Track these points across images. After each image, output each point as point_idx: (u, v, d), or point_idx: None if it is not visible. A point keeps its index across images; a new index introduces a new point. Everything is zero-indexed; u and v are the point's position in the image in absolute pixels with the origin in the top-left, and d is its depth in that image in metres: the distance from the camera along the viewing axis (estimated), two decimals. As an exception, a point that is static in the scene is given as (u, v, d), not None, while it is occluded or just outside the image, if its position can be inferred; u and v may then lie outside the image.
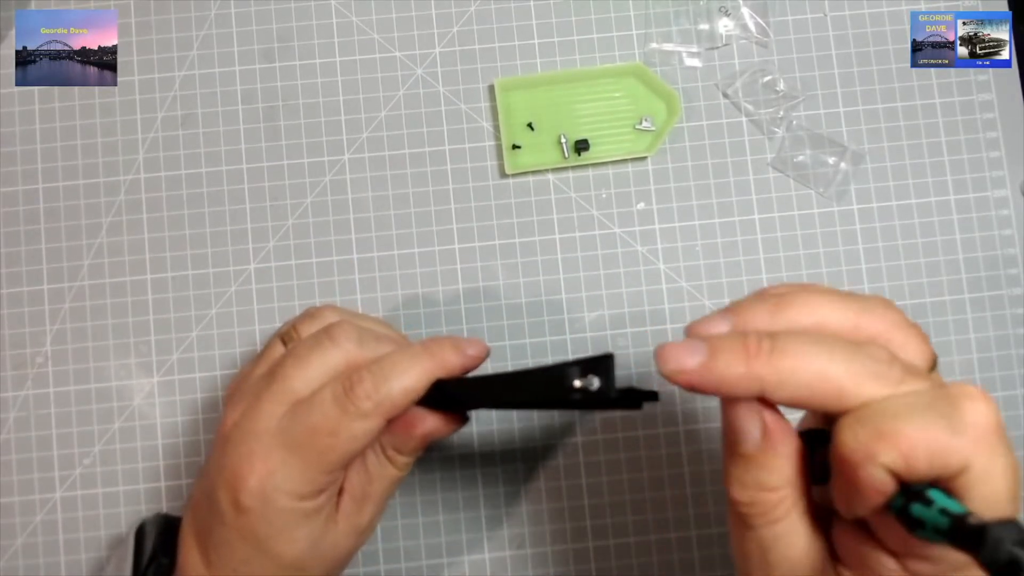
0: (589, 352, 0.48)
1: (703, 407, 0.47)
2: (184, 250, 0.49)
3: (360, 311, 0.48)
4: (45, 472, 0.47)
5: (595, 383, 0.33)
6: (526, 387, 0.35)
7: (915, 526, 0.23)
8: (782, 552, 0.26)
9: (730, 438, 0.27)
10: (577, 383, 0.33)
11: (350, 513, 0.37)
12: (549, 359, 0.48)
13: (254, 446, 0.34)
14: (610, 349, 0.48)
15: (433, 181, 0.49)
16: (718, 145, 0.49)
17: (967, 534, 0.22)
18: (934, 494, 0.23)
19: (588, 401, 0.34)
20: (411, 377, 0.35)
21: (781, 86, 0.49)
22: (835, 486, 0.26)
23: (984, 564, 0.21)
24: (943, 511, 0.23)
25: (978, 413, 0.24)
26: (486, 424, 0.47)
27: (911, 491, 0.24)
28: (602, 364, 0.33)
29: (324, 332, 0.37)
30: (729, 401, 0.27)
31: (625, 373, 0.48)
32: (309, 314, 0.40)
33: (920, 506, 0.23)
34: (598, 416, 0.47)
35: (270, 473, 0.34)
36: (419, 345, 0.36)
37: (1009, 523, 0.21)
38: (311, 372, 0.35)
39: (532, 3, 0.50)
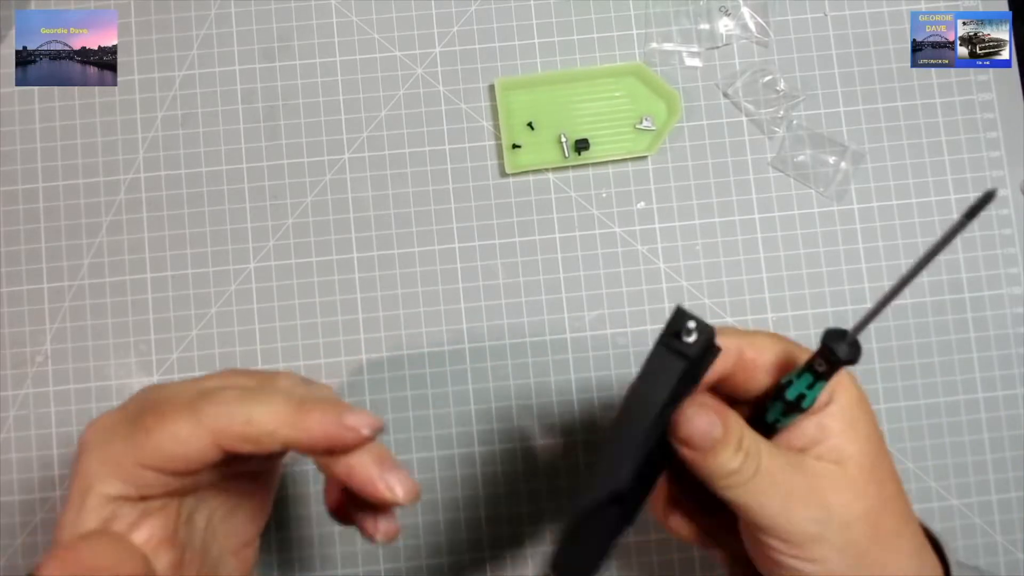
0: (589, 353, 0.48)
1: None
2: (184, 249, 0.49)
3: (360, 311, 0.48)
4: (45, 471, 0.47)
5: (693, 335, 0.29)
6: (649, 404, 0.30)
7: (801, 401, 0.30)
8: (792, 464, 0.31)
9: (704, 446, 0.30)
10: (690, 337, 0.29)
11: None
12: (549, 358, 0.48)
13: (115, 408, 0.31)
14: (610, 348, 0.48)
15: (433, 180, 0.49)
16: (718, 145, 0.49)
17: (821, 363, 0.29)
18: (786, 385, 0.30)
19: (692, 365, 0.30)
20: (264, 414, 0.29)
21: (781, 86, 0.50)
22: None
23: (845, 361, 0.28)
24: (798, 375, 0.30)
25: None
26: (486, 423, 0.47)
27: (777, 396, 0.30)
28: (682, 315, 0.30)
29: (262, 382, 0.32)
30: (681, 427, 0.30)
31: (626, 372, 0.48)
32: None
33: (789, 391, 0.30)
34: (598, 414, 0.47)
35: (101, 428, 0.31)
36: (299, 398, 0.30)
37: (828, 333, 0.28)
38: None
39: (532, 3, 0.50)
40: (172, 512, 0.31)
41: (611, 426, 0.31)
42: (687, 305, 0.36)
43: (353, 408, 0.30)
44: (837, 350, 0.28)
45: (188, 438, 0.29)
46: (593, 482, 0.31)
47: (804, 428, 0.31)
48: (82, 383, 0.48)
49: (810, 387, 0.30)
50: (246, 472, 0.34)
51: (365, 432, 0.30)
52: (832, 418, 0.31)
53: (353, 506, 0.33)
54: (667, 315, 0.47)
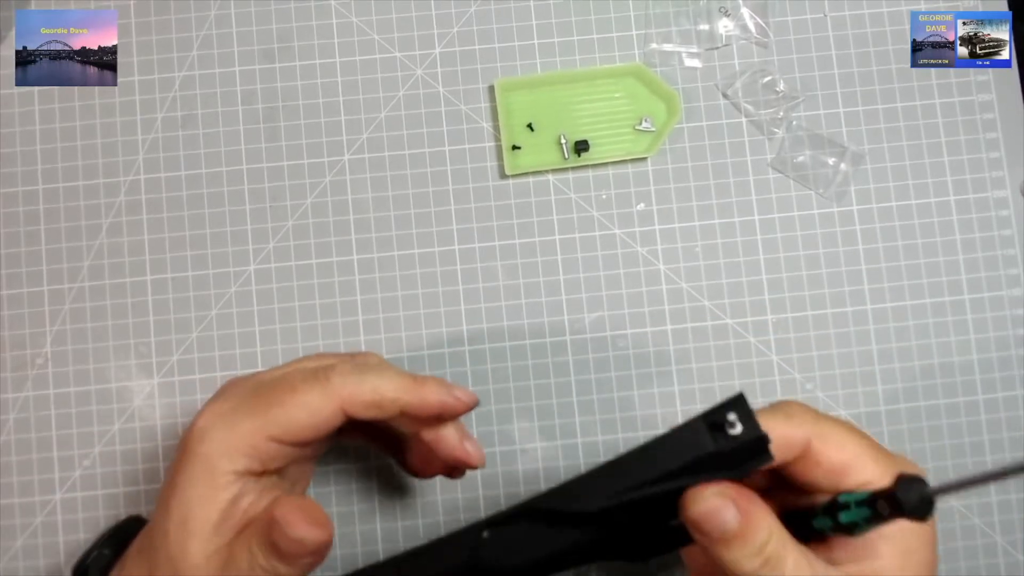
0: (589, 355, 0.48)
1: (703, 409, 0.47)
2: (184, 251, 0.49)
3: (360, 313, 0.48)
4: (45, 474, 0.47)
5: (738, 427, 0.28)
6: (659, 460, 0.29)
7: (853, 528, 0.28)
8: None
9: (713, 535, 0.29)
10: (734, 430, 0.28)
11: (221, 559, 0.32)
12: (549, 360, 0.48)
13: (212, 400, 0.34)
14: (610, 350, 0.48)
15: (433, 182, 0.49)
16: (718, 146, 0.49)
17: (885, 507, 0.26)
18: (843, 506, 0.28)
19: (731, 455, 0.28)
20: (387, 383, 0.34)
21: (781, 86, 0.49)
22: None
23: (910, 516, 0.26)
24: (858, 503, 0.28)
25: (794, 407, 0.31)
26: (486, 424, 0.47)
27: (828, 511, 0.29)
28: (737, 405, 0.28)
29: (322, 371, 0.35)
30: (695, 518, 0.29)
31: (626, 374, 0.48)
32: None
33: (844, 514, 0.28)
34: (598, 418, 0.47)
35: (218, 414, 0.33)
36: (409, 375, 0.35)
37: (903, 480, 0.26)
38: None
39: (532, 3, 0.50)
40: (279, 491, 0.34)
41: (616, 459, 0.30)
42: (748, 385, 0.34)
43: (455, 384, 0.35)
44: (906, 503, 0.26)
45: (320, 407, 0.33)
46: (556, 492, 0.31)
47: (849, 542, 0.30)
48: (82, 386, 0.48)
49: (867, 521, 0.28)
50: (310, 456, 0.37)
51: (468, 402, 0.35)
52: (886, 540, 0.29)
53: (432, 467, 0.39)
54: (667, 316, 0.48)
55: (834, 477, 0.30)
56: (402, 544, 0.47)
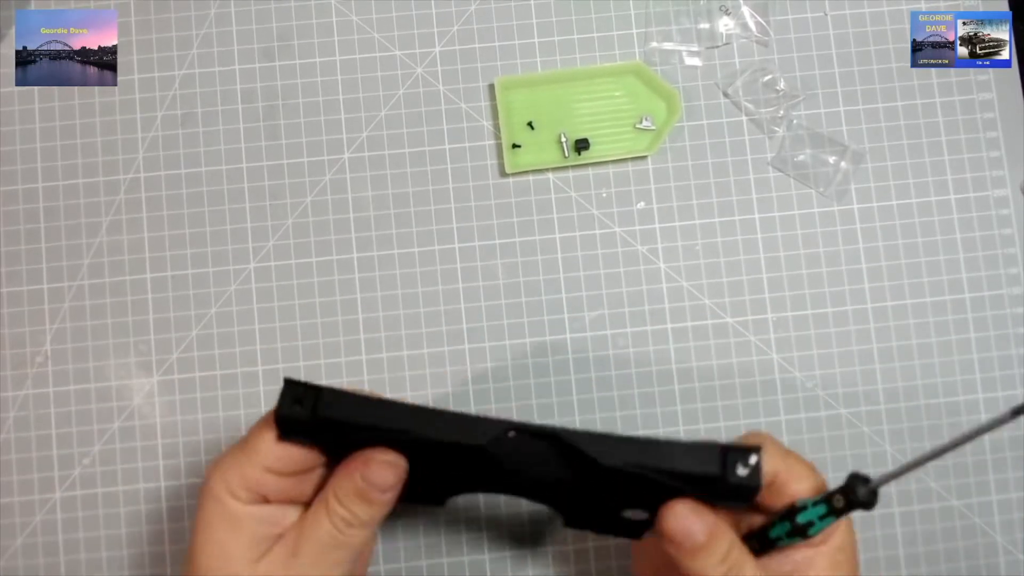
0: (589, 353, 0.48)
1: (703, 408, 0.47)
2: (184, 249, 0.49)
3: (360, 311, 0.48)
4: (45, 472, 0.47)
5: (744, 471, 0.32)
6: (674, 458, 0.32)
7: (808, 528, 0.32)
8: None
9: (684, 546, 0.33)
10: (741, 471, 0.32)
11: (280, 557, 0.34)
12: (549, 358, 0.48)
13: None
14: (610, 348, 0.48)
15: (433, 180, 0.49)
16: (718, 144, 0.49)
17: (840, 500, 0.32)
18: (800, 508, 0.33)
19: (723, 486, 0.32)
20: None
21: (781, 85, 0.49)
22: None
23: (862, 505, 0.31)
24: (814, 503, 0.32)
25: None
26: (486, 423, 0.47)
27: (787, 515, 0.33)
28: (752, 453, 0.32)
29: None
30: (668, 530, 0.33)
31: (625, 372, 0.48)
32: None
33: (801, 515, 0.32)
34: (598, 416, 0.47)
35: (215, 465, 0.35)
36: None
37: (854, 476, 0.32)
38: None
39: (532, 2, 0.50)
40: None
41: (639, 437, 0.33)
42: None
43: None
44: (859, 493, 0.31)
45: (284, 450, 0.34)
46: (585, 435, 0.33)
47: (793, 554, 0.34)
48: (82, 384, 0.48)
49: (821, 518, 0.32)
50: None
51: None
52: (821, 556, 0.34)
53: None
54: (667, 314, 0.48)
55: (790, 501, 0.34)
56: (402, 543, 0.47)
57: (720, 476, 0.32)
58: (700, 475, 0.32)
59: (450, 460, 0.35)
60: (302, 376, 0.44)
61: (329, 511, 0.34)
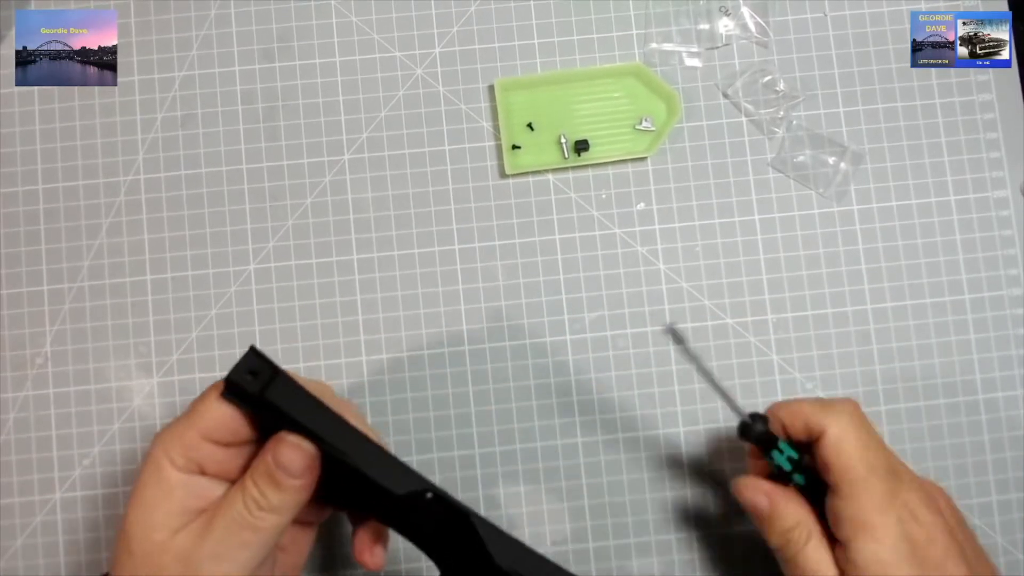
0: (589, 354, 0.48)
1: (703, 408, 0.47)
2: (184, 251, 0.49)
3: (360, 313, 0.48)
4: (45, 473, 0.47)
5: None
6: None
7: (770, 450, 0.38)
8: (812, 568, 0.37)
9: (754, 514, 0.39)
10: None
11: (196, 530, 0.35)
12: (549, 359, 0.48)
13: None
14: (610, 350, 0.48)
15: (433, 181, 0.49)
16: (718, 145, 0.49)
17: (754, 437, 0.38)
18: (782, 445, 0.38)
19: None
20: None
21: (781, 86, 0.49)
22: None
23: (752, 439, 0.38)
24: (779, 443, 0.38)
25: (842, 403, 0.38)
26: (486, 424, 0.47)
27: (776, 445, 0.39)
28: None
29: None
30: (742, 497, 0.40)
31: (625, 373, 0.48)
32: None
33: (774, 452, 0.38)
34: (598, 416, 0.47)
35: (161, 432, 0.36)
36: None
37: (753, 417, 0.38)
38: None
39: (532, 3, 0.50)
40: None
41: (531, 550, 0.36)
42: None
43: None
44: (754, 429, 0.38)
45: (223, 412, 0.35)
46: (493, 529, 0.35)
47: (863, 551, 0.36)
48: (82, 385, 0.48)
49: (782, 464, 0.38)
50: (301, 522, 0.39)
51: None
52: (826, 450, 0.37)
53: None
54: (667, 316, 0.47)
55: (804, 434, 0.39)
56: (402, 543, 0.47)
57: None
58: None
59: (367, 491, 0.35)
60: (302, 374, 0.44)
61: (243, 490, 0.34)
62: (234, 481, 0.36)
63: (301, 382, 0.35)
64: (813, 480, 0.38)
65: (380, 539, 0.38)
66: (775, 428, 0.39)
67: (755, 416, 0.38)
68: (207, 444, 0.35)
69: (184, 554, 0.34)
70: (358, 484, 0.35)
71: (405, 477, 0.35)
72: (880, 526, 0.35)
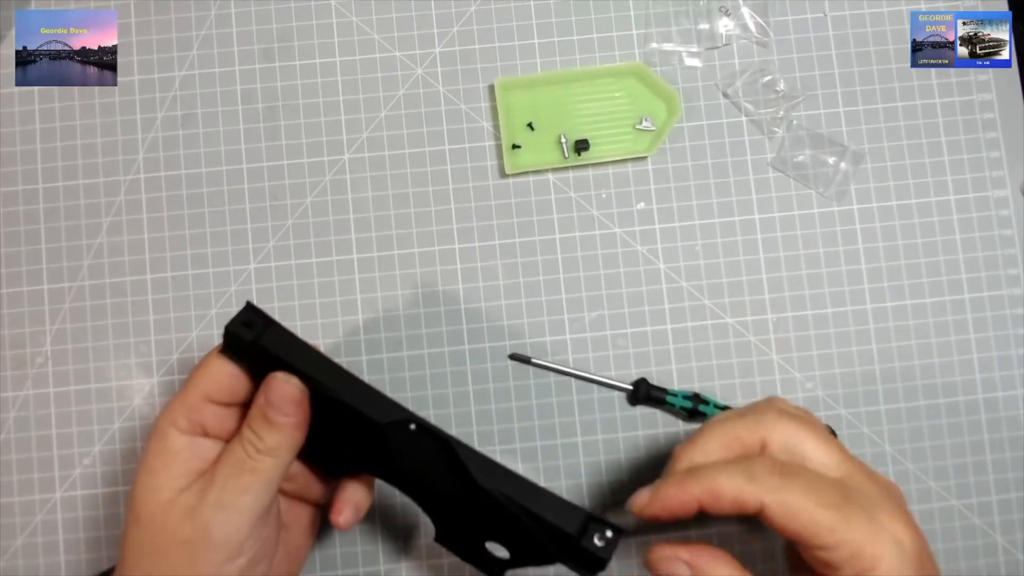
0: (589, 354, 0.48)
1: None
2: (184, 250, 0.49)
3: (360, 312, 0.48)
4: (45, 472, 0.47)
5: (600, 543, 0.34)
6: (542, 503, 0.35)
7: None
8: None
9: None
10: (597, 542, 0.34)
11: (200, 485, 0.36)
12: (549, 359, 0.48)
13: None
14: (610, 350, 0.48)
15: (433, 181, 0.49)
16: (718, 145, 0.49)
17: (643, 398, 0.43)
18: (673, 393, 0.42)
19: (574, 547, 0.34)
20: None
21: (781, 86, 0.49)
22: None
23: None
24: None
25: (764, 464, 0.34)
26: (486, 424, 0.47)
27: None
28: (616, 532, 0.34)
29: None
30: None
31: (625, 373, 0.48)
32: None
33: None
34: (598, 416, 0.47)
35: (165, 406, 0.37)
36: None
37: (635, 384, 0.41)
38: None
39: (532, 3, 0.50)
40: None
41: (520, 475, 0.36)
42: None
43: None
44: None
45: (222, 369, 0.37)
46: (474, 453, 0.36)
47: None
48: (82, 384, 0.48)
49: None
50: (301, 497, 0.41)
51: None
52: (774, 521, 0.33)
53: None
54: (667, 315, 0.48)
55: (792, 540, 0.33)
56: (402, 543, 0.47)
57: (574, 537, 0.34)
58: (557, 528, 0.34)
59: (352, 431, 0.37)
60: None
61: (241, 436, 0.36)
62: None
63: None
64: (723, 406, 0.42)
65: (354, 502, 0.39)
66: (685, 512, 0.34)
67: (637, 382, 0.42)
68: (208, 405, 0.37)
69: (189, 508, 0.35)
70: (346, 425, 0.36)
71: (389, 407, 0.36)
72: (875, 556, 0.32)
